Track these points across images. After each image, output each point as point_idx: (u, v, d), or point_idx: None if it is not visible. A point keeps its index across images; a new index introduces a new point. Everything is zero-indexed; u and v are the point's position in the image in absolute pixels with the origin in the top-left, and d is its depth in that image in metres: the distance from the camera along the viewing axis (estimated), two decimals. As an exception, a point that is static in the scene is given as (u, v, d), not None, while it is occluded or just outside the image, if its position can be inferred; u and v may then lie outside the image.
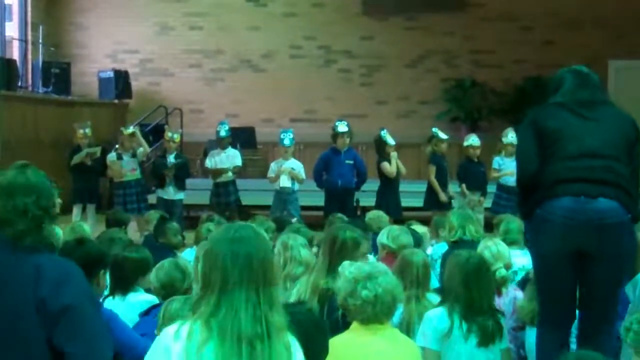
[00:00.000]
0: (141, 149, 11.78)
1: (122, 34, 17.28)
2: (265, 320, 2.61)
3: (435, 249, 7.10)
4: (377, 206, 10.30)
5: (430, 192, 11.36)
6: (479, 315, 4.23)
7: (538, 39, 16.51)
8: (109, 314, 4.02)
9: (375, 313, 3.64)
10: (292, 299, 4.55)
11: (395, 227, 6.42)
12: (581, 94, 4.62)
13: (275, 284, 2.72)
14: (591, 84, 4.68)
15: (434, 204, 11.16)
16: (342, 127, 11.12)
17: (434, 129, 11.63)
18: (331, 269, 4.54)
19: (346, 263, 4.01)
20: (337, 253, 4.61)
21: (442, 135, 11.42)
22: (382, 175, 11.22)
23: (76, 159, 11.59)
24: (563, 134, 4.46)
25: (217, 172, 11.72)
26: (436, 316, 4.29)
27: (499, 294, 5.18)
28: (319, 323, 3.37)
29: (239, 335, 2.58)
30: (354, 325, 3.70)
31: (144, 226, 10.83)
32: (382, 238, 5.98)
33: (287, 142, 11.30)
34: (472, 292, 4.24)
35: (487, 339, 4.22)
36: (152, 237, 7.83)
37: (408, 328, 4.60)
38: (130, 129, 11.92)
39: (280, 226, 7.63)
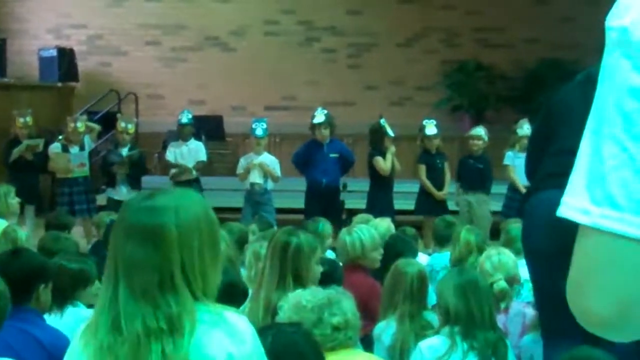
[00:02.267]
0: (87, 137, 11.82)
1: (67, 5, 17.23)
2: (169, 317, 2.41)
3: (436, 259, 7.11)
4: (369, 209, 10.33)
5: (423, 195, 11.43)
6: (480, 330, 4.27)
7: (554, 14, 16.58)
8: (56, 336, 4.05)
9: (348, 337, 3.70)
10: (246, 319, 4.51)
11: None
12: None
13: (192, 272, 2.46)
14: None
15: (427, 208, 11.22)
16: (318, 117, 11.15)
17: (425, 121, 11.64)
18: (282, 281, 4.48)
19: (293, 294, 3.96)
20: (290, 261, 4.51)
21: (429, 131, 11.41)
22: (373, 172, 11.22)
23: (15, 153, 11.56)
24: (565, 124, 4.65)
25: (179, 173, 11.75)
26: (431, 347, 4.30)
27: (504, 310, 5.22)
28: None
29: (138, 334, 2.40)
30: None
31: (92, 231, 10.84)
32: None
33: (259, 132, 11.30)
34: (469, 302, 4.29)
35: (489, 353, 4.25)
36: (102, 244, 7.82)
37: (402, 350, 4.62)
38: (78, 124, 11.83)
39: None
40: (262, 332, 3.13)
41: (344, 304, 3.73)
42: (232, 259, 5.63)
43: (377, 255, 5.87)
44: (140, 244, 2.46)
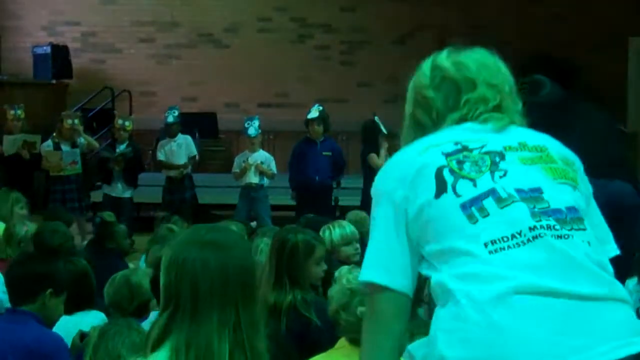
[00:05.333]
0: (82, 139, 11.81)
1: (60, 2, 17.19)
2: (250, 347, 2.38)
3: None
4: (364, 206, 10.35)
5: None
6: None
7: (547, 12, 16.59)
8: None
9: None
10: None
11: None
12: None
13: (256, 301, 2.50)
14: None
15: None
16: (313, 112, 11.18)
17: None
18: (278, 280, 4.45)
19: (345, 268, 3.89)
20: (286, 260, 4.48)
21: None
22: (368, 169, 11.22)
23: (8, 147, 11.53)
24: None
25: (174, 168, 11.81)
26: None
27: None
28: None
29: None
30: (342, 342, 3.65)
31: (86, 229, 10.86)
32: None
33: (251, 131, 11.34)
34: None
35: None
36: (97, 242, 7.84)
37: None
38: (72, 121, 11.82)
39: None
40: None
41: None
42: None
43: (351, 249, 5.88)
44: (220, 279, 2.48)
